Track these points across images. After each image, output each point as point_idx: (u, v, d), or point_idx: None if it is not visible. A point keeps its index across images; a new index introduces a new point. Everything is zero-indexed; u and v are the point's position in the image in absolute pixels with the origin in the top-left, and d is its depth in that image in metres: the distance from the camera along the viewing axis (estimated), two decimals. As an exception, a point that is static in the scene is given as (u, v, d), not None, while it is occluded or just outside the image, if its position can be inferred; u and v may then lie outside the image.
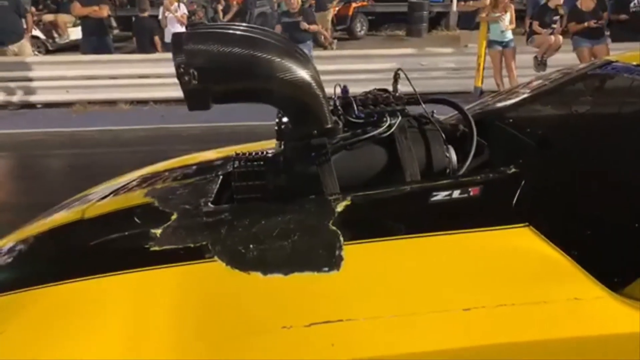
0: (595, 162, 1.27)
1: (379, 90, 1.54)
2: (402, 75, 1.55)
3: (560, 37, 6.69)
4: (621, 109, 1.58)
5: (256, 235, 1.16)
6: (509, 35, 6.53)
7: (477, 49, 6.74)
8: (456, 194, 1.28)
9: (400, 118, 1.41)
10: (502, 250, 1.12)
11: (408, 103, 1.51)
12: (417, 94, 1.50)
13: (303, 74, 1.32)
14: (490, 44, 6.54)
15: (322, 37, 8.91)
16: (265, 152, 1.54)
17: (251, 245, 1.13)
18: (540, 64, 6.55)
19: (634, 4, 6.83)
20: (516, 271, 1.06)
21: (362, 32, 11.91)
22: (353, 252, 1.11)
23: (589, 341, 0.93)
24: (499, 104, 1.86)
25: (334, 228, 1.16)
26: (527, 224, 1.16)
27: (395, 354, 0.88)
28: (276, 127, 1.43)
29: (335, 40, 9.34)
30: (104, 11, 7.11)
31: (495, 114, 1.77)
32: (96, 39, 7.15)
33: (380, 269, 1.09)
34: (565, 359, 0.93)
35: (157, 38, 7.40)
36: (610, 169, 1.23)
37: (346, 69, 6.62)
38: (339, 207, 1.25)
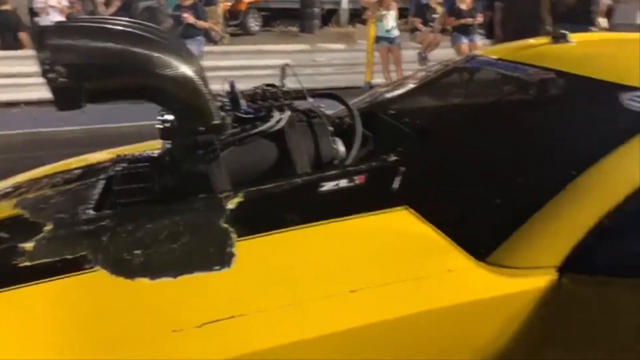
0: (463, 147, 1.40)
1: (267, 85, 1.55)
2: (292, 70, 1.58)
3: (440, 35, 7.25)
4: (483, 98, 1.76)
5: (142, 240, 1.11)
6: (395, 32, 6.91)
7: (366, 45, 7.05)
8: (343, 183, 1.34)
9: (288, 112, 1.44)
10: (384, 232, 1.20)
11: (296, 98, 1.55)
12: (304, 88, 1.53)
13: (185, 69, 1.28)
14: (378, 40, 6.87)
15: (213, 32, 8.70)
16: (150, 153, 1.48)
17: (137, 251, 1.08)
18: (423, 59, 7.04)
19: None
20: (397, 250, 1.14)
21: (256, 28, 11.82)
22: (245, 248, 1.11)
23: (462, 308, 1.02)
24: (382, 98, 1.97)
25: (225, 225, 1.15)
26: (406, 206, 1.26)
27: (286, 342, 0.90)
28: (160, 126, 1.38)
29: (227, 36, 9.16)
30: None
31: (378, 106, 1.88)
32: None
33: (272, 262, 1.10)
34: (443, 327, 1.02)
35: (22, 34, 6.66)
36: (475, 152, 1.37)
37: (240, 65, 6.54)
38: (230, 204, 1.24)
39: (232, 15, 11.30)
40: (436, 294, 1.02)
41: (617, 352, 1.09)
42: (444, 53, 6.75)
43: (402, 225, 1.21)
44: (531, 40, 1.87)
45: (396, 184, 1.33)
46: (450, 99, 1.84)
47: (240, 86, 1.52)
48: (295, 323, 0.93)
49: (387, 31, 6.80)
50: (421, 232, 1.18)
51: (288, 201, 1.30)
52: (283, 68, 1.56)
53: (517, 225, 1.13)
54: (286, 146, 1.39)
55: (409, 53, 7.18)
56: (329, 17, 13.28)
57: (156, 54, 1.25)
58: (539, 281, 1.05)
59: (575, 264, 1.07)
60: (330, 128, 1.50)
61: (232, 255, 1.07)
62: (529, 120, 1.43)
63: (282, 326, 0.93)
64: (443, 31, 7.37)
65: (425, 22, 7.29)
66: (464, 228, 1.19)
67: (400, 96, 1.93)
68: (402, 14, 8.37)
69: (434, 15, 7.36)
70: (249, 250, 1.11)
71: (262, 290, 1.01)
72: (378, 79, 6.97)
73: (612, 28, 7.55)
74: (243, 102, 1.44)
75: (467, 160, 1.34)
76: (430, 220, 1.21)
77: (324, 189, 1.32)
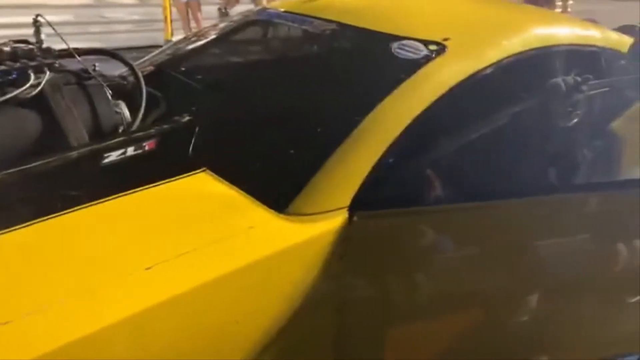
0: (255, 101, 1.39)
1: (17, 42, 1.28)
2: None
3: (238, -11, 7.10)
4: (272, 51, 1.77)
5: None
6: (191, -14, 6.52)
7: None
8: (130, 150, 1.22)
9: (49, 74, 1.21)
10: (182, 199, 1.13)
11: (60, 57, 1.32)
12: (68, 45, 1.31)
13: None
14: (174, -5, 6.41)
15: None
16: None
17: None
18: (224, 14, 6.83)
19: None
20: (197, 216, 1.09)
21: (25, -22, 9.89)
22: (7, 243, 0.92)
23: (265, 261, 1.03)
24: (172, 54, 1.83)
25: (-27, 220, 0.94)
26: (204, 169, 1.20)
27: (70, 341, 0.78)
28: None
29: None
30: None
31: (169, 64, 1.74)
32: None
33: (45, 253, 0.94)
34: (249, 283, 1.01)
35: None
36: (267, 106, 1.37)
37: (10, 23, 5.42)
38: (-19, 193, 1.01)
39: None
40: (238, 253, 1.01)
41: (406, 274, 1.25)
42: (245, 9, 6.65)
43: (200, 189, 1.15)
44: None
45: (191, 146, 1.26)
46: (241, 52, 1.80)
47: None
48: (81, 317, 0.82)
49: (183, -16, 6.38)
50: (221, 194, 1.14)
51: (62, 179, 1.12)
52: (35, 20, 1.30)
53: (312, 174, 1.17)
54: (52, 114, 1.18)
55: (210, 9, 6.89)
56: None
57: None
58: (333, 223, 1.12)
59: (362, 202, 1.17)
60: (108, 90, 1.32)
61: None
62: (314, 71, 1.48)
63: (64, 324, 0.80)
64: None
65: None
66: (263, 183, 1.19)
67: (192, 52, 1.81)
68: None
69: (231, -31, 7.15)
70: (13, 245, 0.92)
71: (35, 287, 0.85)
72: (180, 36, 6.55)
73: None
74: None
75: (259, 115, 1.33)
76: (229, 180, 1.18)
77: (108, 160, 1.18)
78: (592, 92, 1.41)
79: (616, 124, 1.72)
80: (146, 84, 1.43)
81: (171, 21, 6.55)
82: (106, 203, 1.07)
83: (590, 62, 1.69)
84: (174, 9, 6.53)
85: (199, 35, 1.97)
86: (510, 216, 1.31)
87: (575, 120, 1.37)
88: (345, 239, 1.13)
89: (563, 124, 1.34)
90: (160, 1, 6.67)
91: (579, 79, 1.32)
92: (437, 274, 1.29)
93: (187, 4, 6.50)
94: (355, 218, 1.15)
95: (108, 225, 1.04)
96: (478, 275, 1.32)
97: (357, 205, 1.16)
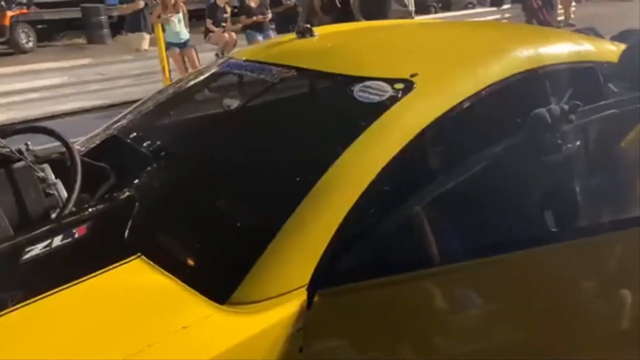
0: (202, 167, 1.24)
1: None
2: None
3: (234, 34, 7.16)
4: (226, 106, 1.63)
5: None
6: (185, 35, 6.59)
7: (158, 52, 6.58)
8: (57, 240, 1.07)
9: None
10: (109, 297, 0.97)
11: None
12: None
13: None
14: (168, 46, 6.47)
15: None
16: None
17: None
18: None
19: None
20: (124, 318, 0.92)
21: (30, 44, 10.20)
22: None
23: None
24: (129, 118, 1.70)
25: None
26: (139, 254, 1.04)
27: None
28: None
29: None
30: None
31: (124, 130, 1.61)
32: None
33: None
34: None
35: None
36: (214, 172, 1.21)
37: (10, 90, 5.52)
38: None
39: (-5, 32, 9.57)
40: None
41: (385, 353, 1.05)
42: (242, 52, 6.64)
43: (133, 281, 0.99)
44: (281, 38, 1.80)
45: (128, 226, 1.10)
46: (195, 110, 1.67)
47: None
48: None
49: (177, 33, 6.45)
50: (154, 286, 0.98)
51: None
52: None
53: (260, 250, 1.00)
54: None
55: (208, 55, 6.93)
56: (120, 24, 12.19)
57: None
58: (288, 308, 0.95)
59: (324, 278, 0.99)
60: (41, 173, 1.19)
61: None
62: (266, 127, 1.33)
63: None
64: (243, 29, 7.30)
65: (217, 23, 7.14)
66: (203, 266, 1.02)
67: (149, 113, 1.69)
68: (201, 14, 8.04)
69: (225, 15, 7.25)
70: None
71: None
72: (179, 86, 6.57)
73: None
74: None
75: (203, 182, 1.18)
76: (168, 264, 1.02)
77: (29, 255, 1.03)
78: (585, 120, 1.22)
79: (627, 141, 1.52)
80: (101, 154, 1.30)
81: (169, 71, 6.60)
82: (24, 308, 0.92)
83: (586, 80, 1.50)
84: (170, 60, 6.58)
85: (160, 93, 1.85)
86: (507, 273, 1.11)
87: (569, 151, 1.17)
88: (304, 326, 0.94)
89: (554, 158, 1.15)
90: (156, 53, 6.75)
91: (565, 107, 1.13)
92: (421, 351, 1.09)
93: (181, 53, 6.55)
94: (316, 298, 0.97)
95: (22, 337, 0.89)
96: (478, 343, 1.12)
97: (318, 282, 0.98)
